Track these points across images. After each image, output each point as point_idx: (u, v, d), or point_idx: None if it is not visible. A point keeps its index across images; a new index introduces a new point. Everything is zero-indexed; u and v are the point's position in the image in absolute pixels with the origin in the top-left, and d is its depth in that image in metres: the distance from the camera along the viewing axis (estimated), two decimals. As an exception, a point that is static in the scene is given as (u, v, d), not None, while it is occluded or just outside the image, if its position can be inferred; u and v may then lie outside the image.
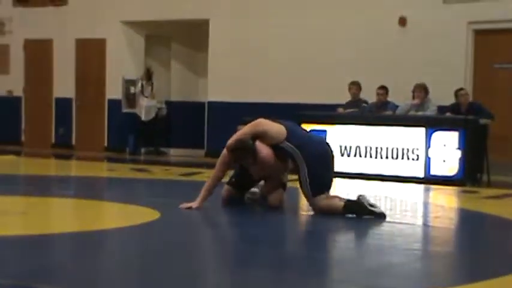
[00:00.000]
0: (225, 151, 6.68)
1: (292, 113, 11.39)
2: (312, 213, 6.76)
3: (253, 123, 6.75)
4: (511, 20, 11.62)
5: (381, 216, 6.47)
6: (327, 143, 6.93)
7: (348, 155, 10.71)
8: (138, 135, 14.70)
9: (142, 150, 14.91)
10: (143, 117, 14.50)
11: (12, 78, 16.09)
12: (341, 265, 4.86)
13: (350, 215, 6.51)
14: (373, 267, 4.71)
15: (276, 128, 6.65)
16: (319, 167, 6.58)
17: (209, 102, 14.16)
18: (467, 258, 5.24)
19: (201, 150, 14.40)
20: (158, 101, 14.72)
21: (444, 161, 10.09)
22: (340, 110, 11.47)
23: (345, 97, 11.77)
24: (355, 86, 11.71)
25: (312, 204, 6.64)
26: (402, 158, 10.33)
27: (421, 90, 10.85)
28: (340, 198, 6.67)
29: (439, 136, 10.12)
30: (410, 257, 5.10)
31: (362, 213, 6.46)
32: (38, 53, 15.83)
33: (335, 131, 10.83)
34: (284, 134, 6.61)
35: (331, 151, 6.77)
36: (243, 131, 6.72)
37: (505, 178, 10.76)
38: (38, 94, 15.87)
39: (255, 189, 7.12)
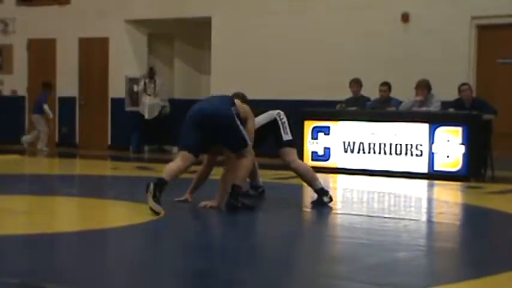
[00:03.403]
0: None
1: (294, 109, 11.39)
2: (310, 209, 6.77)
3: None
4: (514, 15, 11.60)
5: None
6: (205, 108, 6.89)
7: (352, 151, 10.71)
8: (142, 134, 14.70)
9: (146, 148, 14.92)
10: (146, 116, 14.51)
11: (15, 78, 16.11)
12: (345, 262, 4.86)
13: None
14: (377, 263, 4.71)
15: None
16: (185, 127, 6.76)
17: (212, 100, 14.14)
18: (471, 254, 5.24)
19: (204, 148, 14.38)
20: (161, 99, 14.72)
21: (448, 156, 10.08)
22: (339, 106, 11.44)
23: (347, 94, 11.75)
24: (356, 84, 11.70)
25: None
26: (406, 154, 10.32)
27: (424, 87, 10.81)
28: None
29: (442, 132, 10.11)
30: (415, 253, 5.10)
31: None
32: (42, 53, 15.84)
33: (338, 127, 10.83)
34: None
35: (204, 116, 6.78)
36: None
37: (509, 173, 10.75)
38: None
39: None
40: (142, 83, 14.60)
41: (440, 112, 10.60)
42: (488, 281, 4.30)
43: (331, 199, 7.08)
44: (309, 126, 11.00)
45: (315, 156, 10.93)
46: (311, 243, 5.68)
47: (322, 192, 7.09)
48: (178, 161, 6.59)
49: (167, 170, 6.52)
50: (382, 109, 11.10)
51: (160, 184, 6.36)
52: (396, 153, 10.40)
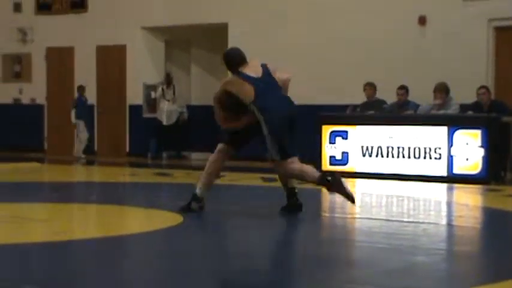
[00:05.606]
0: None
1: (312, 114, 11.40)
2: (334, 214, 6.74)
3: (226, 81, 7.32)
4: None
5: (350, 199, 6.38)
6: (292, 105, 6.99)
7: (370, 155, 10.68)
8: (160, 140, 14.75)
9: (164, 154, 14.95)
10: (165, 122, 14.56)
11: (34, 87, 16.23)
12: (363, 266, 4.84)
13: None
14: (396, 267, 4.69)
15: (245, 89, 6.86)
16: (282, 130, 6.62)
17: (230, 106, 14.16)
18: (491, 257, 5.21)
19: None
20: (179, 105, 14.77)
21: (467, 159, 10.02)
22: (349, 110, 11.50)
23: (363, 97, 11.74)
24: (370, 87, 11.68)
25: (278, 166, 6.64)
26: (425, 158, 10.28)
27: (442, 90, 10.75)
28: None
29: (461, 134, 10.06)
30: (434, 257, 5.07)
31: (336, 190, 6.39)
32: (60, 61, 15.95)
33: (356, 131, 10.80)
34: (252, 96, 6.77)
35: (294, 113, 6.84)
36: (219, 90, 7.25)
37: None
38: (60, 101, 15.97)
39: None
40: (160, 89, 14.66)
41: (459, 115, 10.55)
42: (508, 285, 4.26)
43: None
44: (326, 130, 10.98)
45: (333, 160, 10.90)
46: (330, 247, 5.67)
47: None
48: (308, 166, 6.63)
49: None
50: (400, 113, 11.06)
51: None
52: (415, 157, 10.35)
